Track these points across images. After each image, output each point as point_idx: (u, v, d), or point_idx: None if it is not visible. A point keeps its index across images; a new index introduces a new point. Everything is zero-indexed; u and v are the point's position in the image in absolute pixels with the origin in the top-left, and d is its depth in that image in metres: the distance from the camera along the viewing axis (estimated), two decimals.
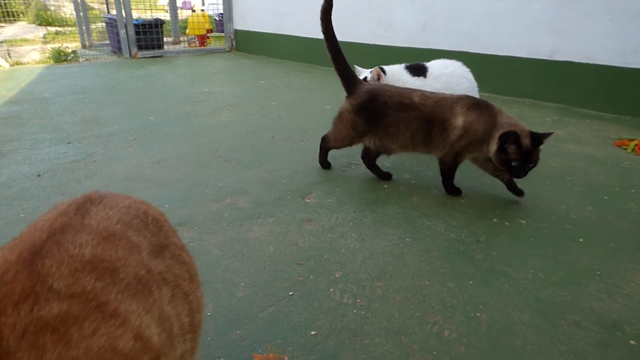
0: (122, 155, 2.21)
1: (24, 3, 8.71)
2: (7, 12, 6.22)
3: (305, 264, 1.34)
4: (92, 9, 7.99)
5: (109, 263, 0.43)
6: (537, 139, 1.58)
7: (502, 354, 1.02)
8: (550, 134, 1.60)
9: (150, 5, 6.54)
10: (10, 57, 5.04)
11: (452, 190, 1.83)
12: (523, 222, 1.62)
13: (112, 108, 3.09)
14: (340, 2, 3.57)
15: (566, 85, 3.18)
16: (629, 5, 2.80)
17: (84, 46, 6.23)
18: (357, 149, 2.32)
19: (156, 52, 5.63)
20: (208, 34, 6.67)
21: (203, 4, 8.80)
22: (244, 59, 5.60)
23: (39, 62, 5.01)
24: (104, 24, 6.21)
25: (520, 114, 2.88)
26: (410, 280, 1.27)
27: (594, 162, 2.17)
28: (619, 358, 1.01)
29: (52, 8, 9.11)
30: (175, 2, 6.76)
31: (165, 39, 6.11)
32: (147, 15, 6.24)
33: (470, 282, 1.27)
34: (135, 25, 5.33)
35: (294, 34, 5.27)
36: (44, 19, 8.72)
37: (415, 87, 2.05)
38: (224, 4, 6.10)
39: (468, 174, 1.95)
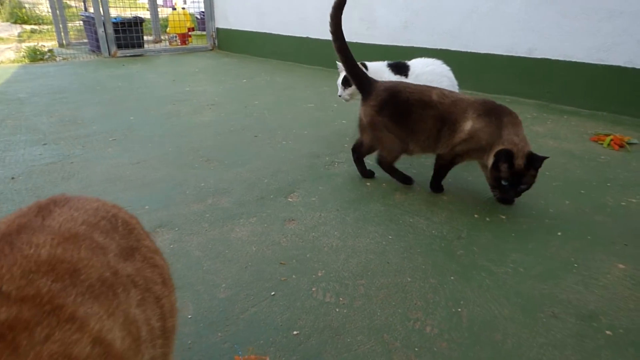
0: (101, 156, 2.16)
1: None
2: None
3: (287, 264, 1.34)
4: (69, 6, 7.78)
5: (69, 264, 0.41)
6: (533, 161, 1.53)
7: (483, 348, 1.03)
8: (545, 157, 1.55)
9: (130, 3, 6.41)
10: None
11: (437, 187, 1.83)
12: (503, 217, 1.64)
13: (90, 108, 3.02)
14: (322, 0, 3.56)
15: (545, 82, 3.24)
16: (603, 5, 2.87)
17: (61, 45, 6.07)
18: (340, 146, 2.33)
19: (136, 50, 5.52)
20: (190, 33, 6.58)
21: (184, 2, 8.67)
22: (227, 58, 5.54)
23: (13, 62, 4.86)
24: (81, 22, 6.06)
25: None
26: (392, 277, 1.28)
27: (572, 157, 2.22)
28: (595, 348, 1.03)
29: (27, 5, 8.85)
30: (156, 0, 6.64)
31: (146, 38, 6.00)
32: (127, 14, 6.12)
33: (452, 277, 1.28)
34: (114, 23, 5.22)
35: (277, 33, 5.24)
36: (19, 17, 8.47)
37: None
38: (205, 2, 6.02)
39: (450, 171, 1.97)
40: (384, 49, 4.07)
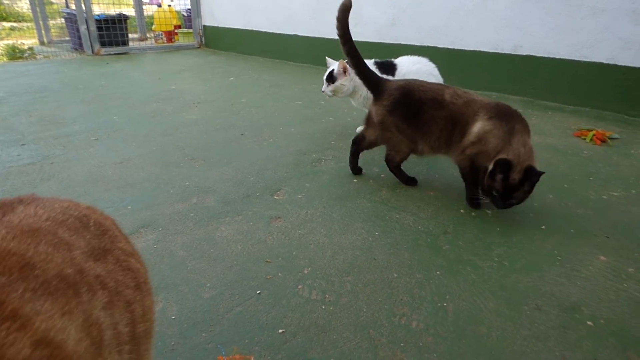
0: (83, 156, 2.12)
1: None
2: None
3: (273, 262, 1.32)
4: (50, 3, 7.60)
5: (20, 257, 0.38)
6: (530, 176, 1.47)
7: (468, 341, 1.03)
8: (542, 173, 1.48)
9: (114, 0, 6.29)
10: None
11: (470, 201, 1.68)
12: (489, 212, 1.65)
13: (72, 107, 2.95)
14: None
15: (530, 79, 3.28)
16: (585, 2, 2.91)
17: (42, 43, 5.93)
18: (327, 143, 2.32)
19: (121, 48, 5.42)
20: (176, 30, 6.49)
21: None
22: (214, 56, 5.48)
23: None
24: (63, 19, 5.93)
25: None
26: (378, 273, 1.28)
27: (555, 152, 2.25)
28: (577, 339, 1.04)
29: (6, 2, 8.62)
30: None
31: (131, 36, 5.90)
32: (111, 11, 6.00)
33: (438, 272, 1.29)
34: (97, 20, 5.11)
35: (265, 30, 5.20)
36: None
37: None
38: None
39: (435, 165, 1.98)
40: (371, 46, 4.07)
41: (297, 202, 1.70)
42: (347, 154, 1.98)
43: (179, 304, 1.14)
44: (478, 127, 1.59)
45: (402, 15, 3.86)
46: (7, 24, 7.75)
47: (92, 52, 5.14)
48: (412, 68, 2.31)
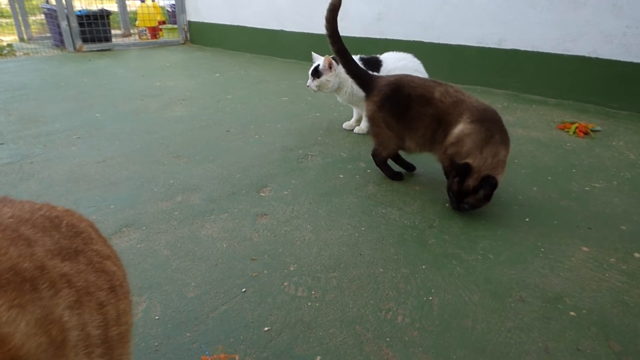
0: (64, 155, 2.07)
1: None
2: None
3: (259, 259, 1.31)
4: None
5: None
6: (484, 185, 1.47)
7: (453, 334, 1.04)
8: (496, 186, 1.47)
9: None
10: None
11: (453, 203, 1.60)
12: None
13: (53, 105, 2.88)
14: None
15: (514, 73, 3.31)
16: None
17: (21, 39, 5.79)
18: (313, 139, 2.31)
19: (103, 45, 5.32)
20: (160, 26, 6.38)
21: None
22: (199, 52, 5.41)
23: None
24: (43, 15, 5.79)
25: None
26: (364, 268, 1.28)
27: (539, 145, 2.27)
28: (560, 329, 1.06)
29: None
30: None
31: (114, 32, 5.78)
32: (93, 6, 5.87)
33: (424, 266, 1.29)
34: (78, 16, 4.99)
35: (251, 26, 5.14)
36: None
37: None
38: None
39: (421, 160, 1.98)
40: (357, 41, 4.06)
41: (283, 198, 1.69)
42: (334, 150, 1.98)
43: (163, 304, 1.13)
44: (459, 128, 1.59)
45: (388, 10, 3.86)
46: None
47: (74, 48, 5.03)
48: (397, 64, 2.31)
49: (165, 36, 6.28)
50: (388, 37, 3.88)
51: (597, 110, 2.89)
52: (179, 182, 1.81)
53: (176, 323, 1.06)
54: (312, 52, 2.42)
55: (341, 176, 1.90)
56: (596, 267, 1.29)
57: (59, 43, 5.21)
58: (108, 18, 5.37)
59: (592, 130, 2.45)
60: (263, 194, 1.72)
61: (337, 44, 1.84)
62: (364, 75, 1.87)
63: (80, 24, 5.03)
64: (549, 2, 3.02)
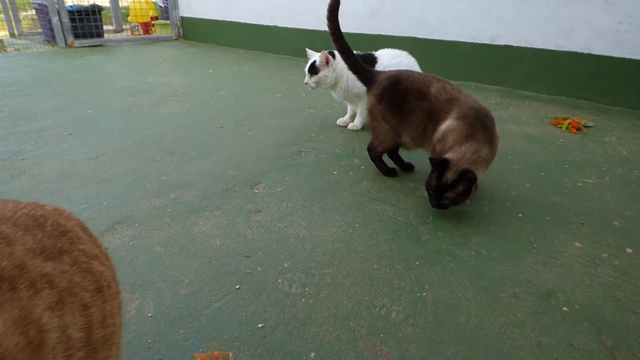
0: (55, 151, 2.04)
1: None
2: None
3: (253, 256, 1.31)
4: None
5: None
6: (462, 179, 1.44)
7: (446, 330, 1.04)
8: (475, 183, 1.43)
9: None
10: None
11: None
12: (467, 201, 1.66)
13: (44, 101, 2.85)
14: None
15: (508, 69, 3.32)
16: None
17: (12, 35, 5.70)
18: (307, 135, 2.30)
19: (95, 40, 5.25)
20: (153, 22, 6.32)
21: None
22: (192, 48, 5.37)
23: None
24: (34, 10, 5.70)
25: None
26: (359, 265, 1.28)
27: (532, 141, 2.28)
28: (553, 325, 1.07)
29: None
30: None
31: (106, 27, 5.71)
32: (84, 2, 5.79)
33: (417, 262, 1.29)
34: (69, 11, 4.92)
35: (244, 21, 5.11)
36: None
37: None
38: None
39: (415, 156, 1.98)
40: (352, 37, 4.01)
41: (277, 195, 1.68)
42: (328, 146, 1.97)
43: (156, 301, 1.12)
44: (446, 124, 1.59)
45: (381, 7, 3.85)
46: None
47: (66, 44, 4.96)
48: (392, 61, 2.31)
49: (157, 32, 6.22)
50: (382, 33, 3.87)
51: (589, 106, 2.91)
52: (172, 178, 1.79)
53: (169, 320, 1.06)
54: (306, 49, 2.41)
55: (335, 172, 1.90)
56: (588, 263, 1.30)
57: (50, 39, 5.14)
58: (100, 13, 5.31)
59: (585, 126, 2.47)
60: (257, 191, 1.71)
61: (339, 41, 1.88)
62: (366, 71, 1.89)
63: (72, 20, 4.96)
64: None
